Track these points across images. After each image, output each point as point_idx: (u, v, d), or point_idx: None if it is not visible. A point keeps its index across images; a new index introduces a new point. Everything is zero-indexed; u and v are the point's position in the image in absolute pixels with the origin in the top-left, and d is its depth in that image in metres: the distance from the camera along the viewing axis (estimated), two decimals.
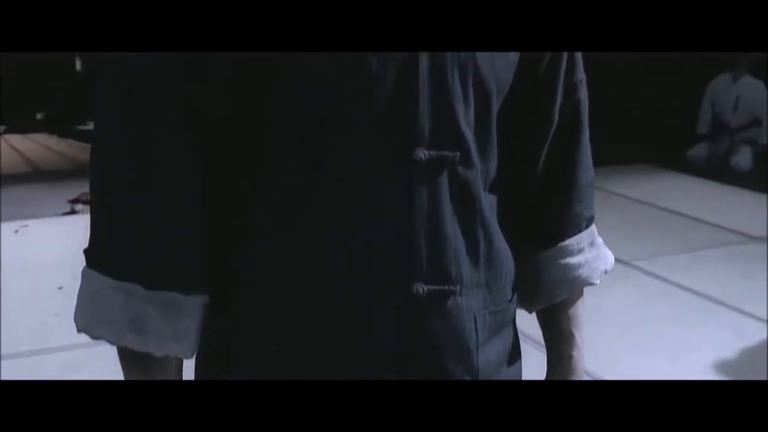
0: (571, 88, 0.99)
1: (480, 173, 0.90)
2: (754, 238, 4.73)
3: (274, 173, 0.85)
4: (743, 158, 6.56)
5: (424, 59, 0.83)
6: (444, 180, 0.86)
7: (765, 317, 3.47)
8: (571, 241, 1.03)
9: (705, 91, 6.83)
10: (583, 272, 1.03)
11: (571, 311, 1.05)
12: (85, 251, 0.87)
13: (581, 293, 1.06)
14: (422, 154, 0.84)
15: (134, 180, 0.83)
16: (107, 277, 0.84)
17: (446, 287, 0.87)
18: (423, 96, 0.83)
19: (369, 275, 0.85)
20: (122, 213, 0.84)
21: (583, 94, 1.01)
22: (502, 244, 0.94)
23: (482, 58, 0.86)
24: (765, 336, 3.30)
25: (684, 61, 6.79)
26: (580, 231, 1.04)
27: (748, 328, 3.37)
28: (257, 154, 0.85)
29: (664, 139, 6.66)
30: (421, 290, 0.85)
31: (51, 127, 7.71)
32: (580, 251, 1.04)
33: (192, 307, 0.85)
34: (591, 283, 1.05)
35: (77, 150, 7.20)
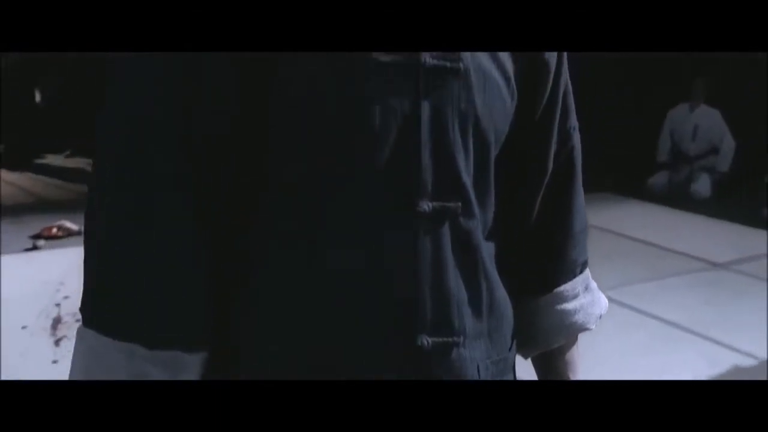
0: (565, 135, 1.00)
1: (480, 222, 0.90)
2: (717, 265, 4.81)
3: (274, 216, 0.85)
4: (702, 186, 6.69)
5: (425, 110, 0.83)
6: (446, 231, 0.86)
7: (733, 345, 3.51)
8: (567, 287, 1.04)
9: (664, 120, 6.97)
10: (579, 318, 1.04)
11: (568, 357, 1.06)
12: (81, 310, 0.85)
13: (576, 338, 1.06)
14: (426, 206, 0.84)
15: (133, 225, 0.81)
16: (106, 337, 0.81)
17: (450, 339, 0.87)
18: (425, 148, 0.83)
19: (372, 329, 0.84)
20: (120, 267, 0.82)
21: (577, 140, 1.02)
22: (502, 292, 0.94)
23: (482, 108, 0.86)
24: (734, 363, 3.34)
25: (643, 92, 6.93)
26: (574, 276, 1.05)
27: (718, 356, 3.41)
28: (258, 176, 0.84)
29: (625, 168, 6.77)
30: (425, 342, 0.85)
31: (11, 161, 7.56)
32: (575, 296, 1.04)
33: (194, 364, 0.83)
34: (587, 329, 1.05)
35: (37, 184, 7.06)
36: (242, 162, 0.84)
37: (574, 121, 1.02)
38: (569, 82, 1.00)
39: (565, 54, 0.98)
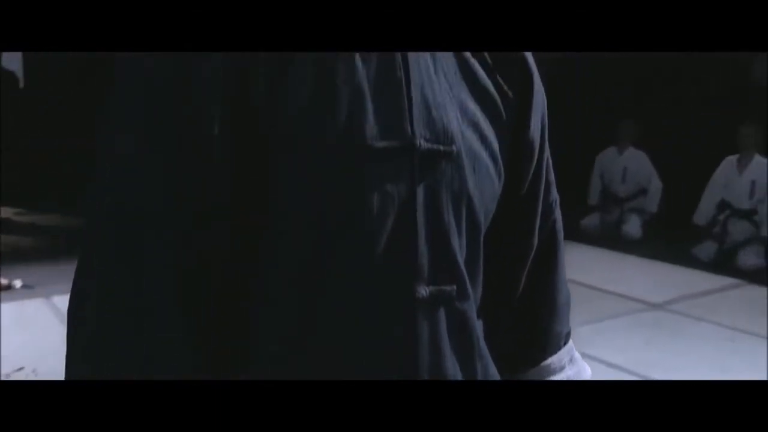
0: (547, 210, 1.02)
1: (473, 302, 0.90)
2: (654, 305, 4.92)
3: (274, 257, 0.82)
4: (633, 227, 6.87)
5: (420, 195, 0.83)
6: (442, 315, 0.85)
7: None
8: (553, 359, 1.04)
9: (594, 163, 7.17)
10: None
11: None
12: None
13: None
14: (423, 291, 0.83)
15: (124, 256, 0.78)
16: None
17: None
18: (421, 232, 0.83)
19: None
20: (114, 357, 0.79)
21: (558, 214, 1.04)
22: (493, 369, 0.94)
23: (474, 189, 0.87)
24: None
25: (573, 136, 7.12)
26: (560, 348, 1.05)
27: None
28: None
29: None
30: None
31: None
32: (561, 369, 1.05)
33: None
34: None
35: None
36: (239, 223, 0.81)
37: (555, 194, 1.03)
38: (550, 156, 1.02)
39: (547, 129, 0.99)
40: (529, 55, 0.96)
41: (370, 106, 0.80)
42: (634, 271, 5.78)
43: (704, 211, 6.30)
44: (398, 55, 0.83)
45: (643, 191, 7.02)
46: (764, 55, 7.29)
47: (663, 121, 6.98)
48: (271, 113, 0.78)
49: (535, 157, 0.96)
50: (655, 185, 6.94)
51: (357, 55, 0.81)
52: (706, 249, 6.13)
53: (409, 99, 0.82)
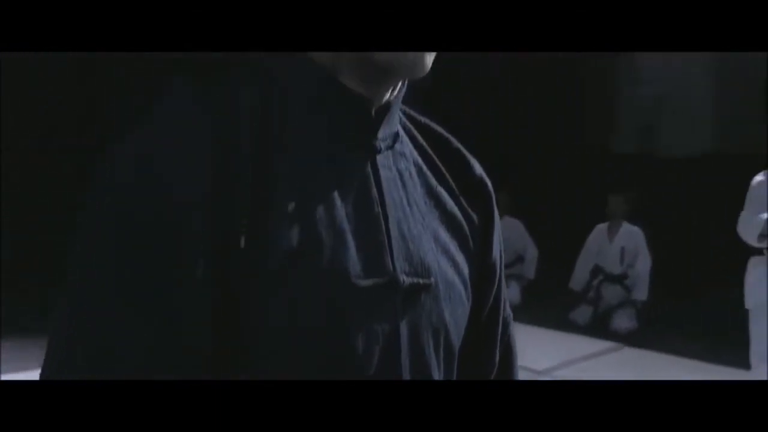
0: (504, 326, 1.03)
1: None
2: (539, 372, 5.05)
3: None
4: (512, 293, 7.07)
5: (404, 331, 0.82)
6: None
7: None
8: None
9: None
10: None
11: None
12: None
13: None
14: None
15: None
16: None
17: None
18: (405, 369, 0.83)
19: None
20: None
21: (512, 328, 1.05)
22: None
23: (449, 317, 0.87)
24: None
25: None
26: None
27: None
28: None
29: None
30: None
31: None
32: None
33: None
34: None
35: None
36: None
37: (509, 310, 1.05)
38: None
39: (502, 247, 1.01)
40: (487, 179, 0.98)
41: (352, 245, 0.79)
42: (516, 338, 5.92)
43: (579, 276, 6.58)
44: (374, 191, 0.83)
45: (520, 258, 7.27)
46: (629, 129, 7.81)
47: (536, 190, 7.31)
48: (254, 257, 0.75)
49: (497, 279, 0.98)
50: (531, 253, 7.21)
51: (335, 194, 0.80)
52: (583, 313, 6.39)
53: (388, 235, 0.82)
